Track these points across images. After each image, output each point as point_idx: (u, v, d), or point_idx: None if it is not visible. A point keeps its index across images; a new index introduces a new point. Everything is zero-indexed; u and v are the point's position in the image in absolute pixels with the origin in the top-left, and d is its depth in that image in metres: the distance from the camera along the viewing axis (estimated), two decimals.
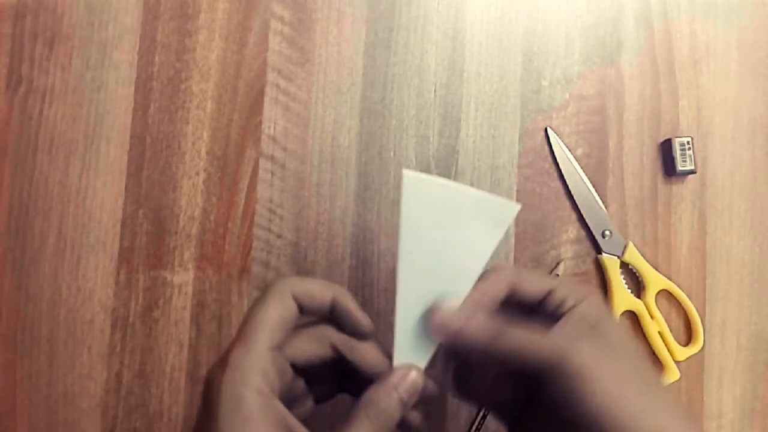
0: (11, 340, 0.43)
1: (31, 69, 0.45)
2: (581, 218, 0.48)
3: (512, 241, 0.47)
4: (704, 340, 0.48)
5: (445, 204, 0.28)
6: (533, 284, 0.27)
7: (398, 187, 0.43)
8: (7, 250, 0.44)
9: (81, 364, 0.44)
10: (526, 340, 0.24)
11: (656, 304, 0.48)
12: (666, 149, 0.49)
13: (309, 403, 0.31)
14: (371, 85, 0.48)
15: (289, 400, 0.27)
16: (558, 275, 0.46)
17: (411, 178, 0.28)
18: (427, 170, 0.47)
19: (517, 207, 0.30)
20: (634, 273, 0.48)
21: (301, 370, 0.28)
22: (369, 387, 0.26)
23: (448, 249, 0.28)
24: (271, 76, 0.47)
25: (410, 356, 0.27)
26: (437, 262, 0.28)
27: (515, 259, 0.47)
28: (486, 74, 0.49)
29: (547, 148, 0.49)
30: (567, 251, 0.48)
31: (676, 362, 0.47)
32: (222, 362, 0.25)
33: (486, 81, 0.49)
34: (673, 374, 0.47)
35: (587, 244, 0.48)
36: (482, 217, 0.29)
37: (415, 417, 0.27)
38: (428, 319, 0.26)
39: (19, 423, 0.43)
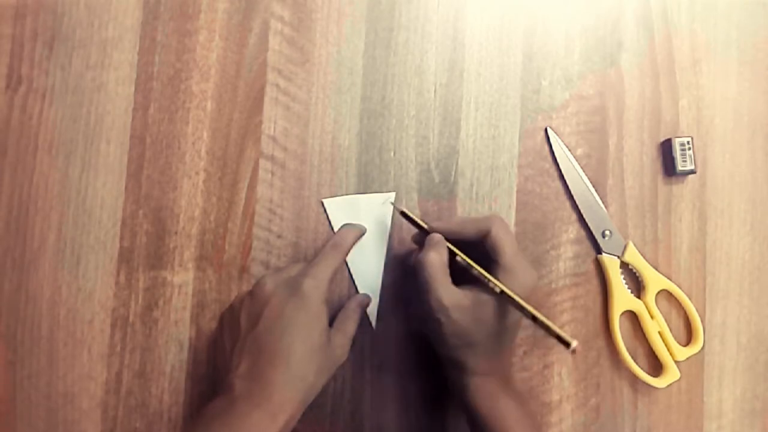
0: (11, 340, 0.43)
1: (31, 69, 0.45)
2: (581, 218, 0.48)
3: None
4: (704, 340, 0.48)
5: (355, 208, 0.46)
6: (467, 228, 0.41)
7: (397, 188, 0.47)
8: (7, 250, 0.44)
9: (81, 364, 0.44)
10: (473, 220, 0.41)
11: (656, 304, 0.48)
12: (666, 149, 0.49)
13: None
14: (371, 85, 0.48)
15: None
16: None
17: (329, 202, 0.46)
18: (427, 170, 0.47)
19: (393, 194, 0.47)
20: (634, 273, 0.48)
21: None
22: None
23: (367, 233, 0.46)
24: (271, 76, 0.47)
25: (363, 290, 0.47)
26: (365, 242, 0.46)
27: None
28: (486, 74, 0.49)
29: (547, 148, 0.49)
30: (567, 251, 0.48)
31: (676, 362, 0.47)
32: (308, 275, 0.38)
33: (486, 81, 0.49)
34: (673, 374, 0.47)
35: (587, 244, 0.48)
36: (377, 207, 0.46)
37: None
38: (367, 272, 0.46)
39: (19, 423, 0.43)
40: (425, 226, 0.42)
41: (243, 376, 0.36)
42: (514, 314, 0.38)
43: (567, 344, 0.34)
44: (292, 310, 0.37)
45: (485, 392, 0.39)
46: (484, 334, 0.39)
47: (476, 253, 0.40)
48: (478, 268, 0.39)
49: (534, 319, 0.36)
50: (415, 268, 0.39)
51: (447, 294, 0.38)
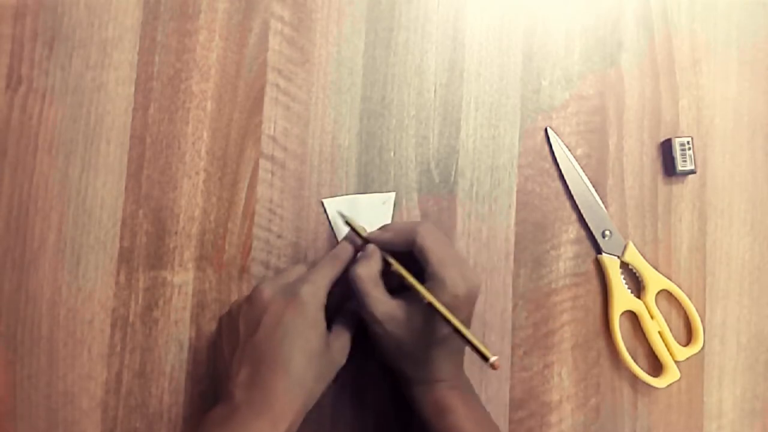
0: (11, 340, 0.43)
1: (31, 69, 0.45)
2: (581, 218, 0.48)
3: (512, 241, 0.47)
4: (704, 340, 0.48)
5: (355, 208, 0.46)
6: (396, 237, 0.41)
7: (397, 188, 0.47)
8: (7, 250, 0.44)
9: (81, 364, 0.44)
10: (402, 230, 0.40)
11: (656, 304, 0.48)
12: (666, 149, 0.49)
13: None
14: (371, 85, 0.48)
15: None
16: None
17: (329, 202, 0.46)
18: (427, 170, 0.47)
19: (393, 194, 0.47)
20: (634, 273, 0.48)
21: None
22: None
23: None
24: (271, 76, 0.47)
25: None
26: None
27: (515, 259, 0.47)
28: (486, 74, 0.49)
29: (547, 148, 0.49)
30: (567, 251, 0.48)
31: (676, 362, 0.47)
32: (306, 281, 0.38)
33: (486, 81, 0.49)
34: (673, 374, 0.47)
35: (587, 244, 0.48)
36: (377, 207, 0.47)
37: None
38: None
39: (19, 423, 0.43)
40: (364, 235, 0.42)
41: (243, 384, 0.36)
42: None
43: (486, 358, 0.33)
44: (291, 316, 0.37)
45: (430, 400, 0.39)
46: (421, 345, 0.38)
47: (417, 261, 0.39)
48: (409, 277, 0.38)
49: (456, 330, 0.35)
50: (349, 281, 0.39)
51: (379, 307, 0.38)
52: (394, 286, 0.39)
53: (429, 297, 0.36)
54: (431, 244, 0.38)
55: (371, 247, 0.41)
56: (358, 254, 0.41)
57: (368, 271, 0.39)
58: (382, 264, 0.40)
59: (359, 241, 0.43)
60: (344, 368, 0.40)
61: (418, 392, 0.40)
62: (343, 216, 0.45)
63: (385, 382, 0.45)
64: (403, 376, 0.40)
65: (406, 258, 0.40)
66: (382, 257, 0.40)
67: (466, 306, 0.38)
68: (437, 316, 0.36)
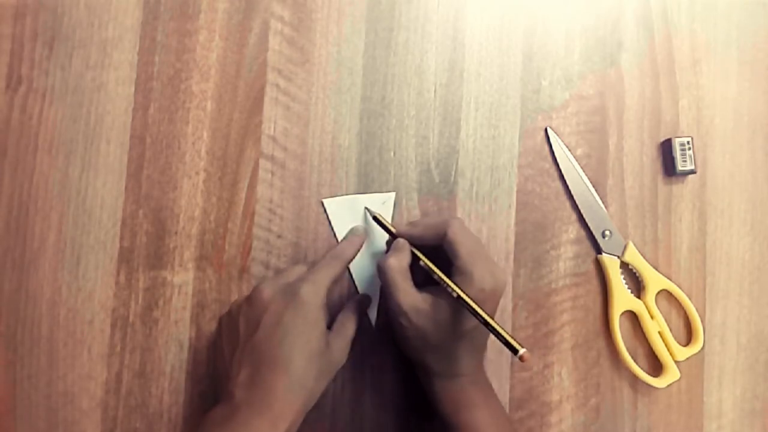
0: (11, 340, 0.43)
1: (31, 69, 0.45)
2: (581, 218, 0.48)
3: (512, 241, 0.47)
4: (704, 340, 0.48)
5: (355, 208, 0.46)
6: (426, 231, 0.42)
7: (397, 188, 0.47)
8: (7, 250, 0.44)
9: (81, 364, 0.44)
10: (433, 224, 0.41)
11: (656, 304, 0.48)
12: (666, 149, 0.49)
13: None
14: (371, 85, 0.48)
15: None
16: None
17: (329, 202, 0.46)
18: (427, 170, 0.47)
19: (393, 194, 0.47)
20: (634, 273, 0.48)
21: None
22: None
23: (367, 234, 0.46)
24: (271, 76, 0.47)
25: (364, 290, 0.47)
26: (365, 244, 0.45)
27: (515, 259, 0.47)
28: (486, 74, 0.49)
29: (547, 148, 0.49)
30: (567, 251, 0.48)
31: (676, 362, 0.47)
32: (306, 280, 0.38)
33: (486, 81, 0.49)
34: (673, 374, 0.47)
35: (587, 244, 0.48)
36: (377, 207, 0.46)
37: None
38: (368, 272, 0.46)
39: (19, 423, 0.43)
40: (393, 230, 0.43)
41: (243, 384, 0.36)
42: (474, 318, 0.38)
43: (515, 351, 0.34)
44: (291, 316, 0.37)
45: (451, 394, 0.39)
46: (445, 338, 0.38)
47: (444, 256, 0.40)
48: (438, 271, 0.39)
49: (486, 323, 0.36)
50: (378, 272, 0.40)
51: (406, 298, 0.38)
52: (420, 282, 0.40)
53: (457, 290, 0.37)
54: (462, 238, 0.39)
55: (401, 240, 0.41)
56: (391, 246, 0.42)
57: (398, 263, 0.39)
58: (410, 258, 0.41)
59: (362, 238, 0.44)
60: (345, 367, 0.40)
61: (438, 386, 0.40)
62: (370, 212, 0.45)
63: (385, 383, 0.45)
64: (425, 370, 0.41)
65: (432, 255, 0.40)
66: (411, 251, 0.41)
67: (491, 302, 0.39)
68: (463, 310, 0.37)
